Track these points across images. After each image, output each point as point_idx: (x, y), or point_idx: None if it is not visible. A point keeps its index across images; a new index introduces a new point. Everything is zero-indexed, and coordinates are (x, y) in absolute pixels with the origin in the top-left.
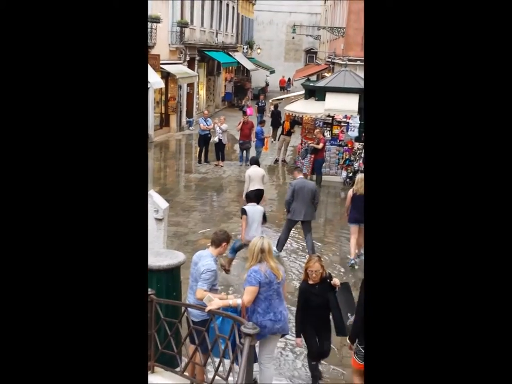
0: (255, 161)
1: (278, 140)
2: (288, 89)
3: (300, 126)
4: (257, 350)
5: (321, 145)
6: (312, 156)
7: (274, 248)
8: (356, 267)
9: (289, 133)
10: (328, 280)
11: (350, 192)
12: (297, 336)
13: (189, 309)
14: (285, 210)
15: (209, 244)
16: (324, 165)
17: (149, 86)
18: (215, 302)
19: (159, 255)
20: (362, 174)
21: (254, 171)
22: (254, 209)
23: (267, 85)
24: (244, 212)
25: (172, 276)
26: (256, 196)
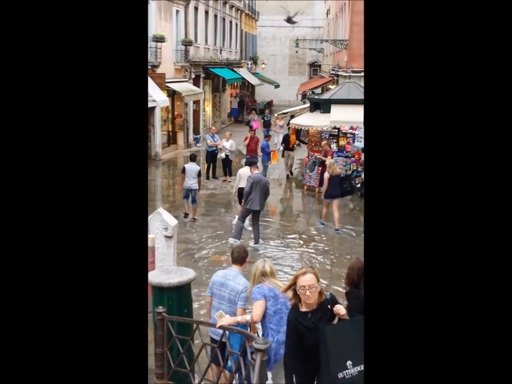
0: (249, 163)
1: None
2: (303, 100)
3: (300, 143)
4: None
5: (328, 157)
6: (320, 168)
7: (233, 240)
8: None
9: (292, 148)
10: (328, 307)
11: (327, 175)
12: None
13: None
14: (243, 200)
15: (233, 262)
16: None
17: (155, 105)
18: (225, 318)
19: (169, 272)
20: (331, 159)
21: (244, 171)
22: (190, 167)
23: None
24: (183, 170)
25: (182, 293)
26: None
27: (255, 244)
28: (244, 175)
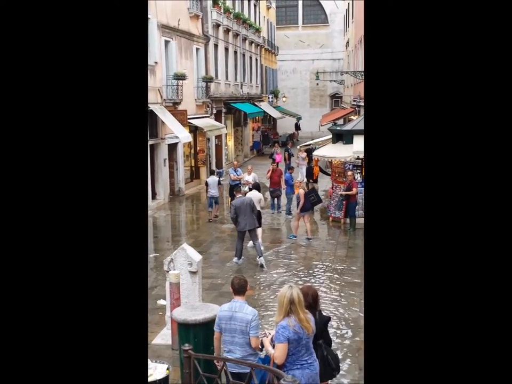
0: (256, 187)
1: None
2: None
3: (323, 174)
4: None
5: (354, 190)
6: (345, 202)
7: (236, 259)
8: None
9: (315, 180)
10: None
11: (302, 191)
12: None
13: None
14: (234, 224)
15: (234, 293)
16: (356, 207)
17: (178, 141)
18: (266, 341)
19: (195, 308)
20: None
21: (252, 194)
22: (212, 179)
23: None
24: (206, 183)
25: (208, 330)
26: (257, 216)
27: (259, 257)
28: (252, 198)
